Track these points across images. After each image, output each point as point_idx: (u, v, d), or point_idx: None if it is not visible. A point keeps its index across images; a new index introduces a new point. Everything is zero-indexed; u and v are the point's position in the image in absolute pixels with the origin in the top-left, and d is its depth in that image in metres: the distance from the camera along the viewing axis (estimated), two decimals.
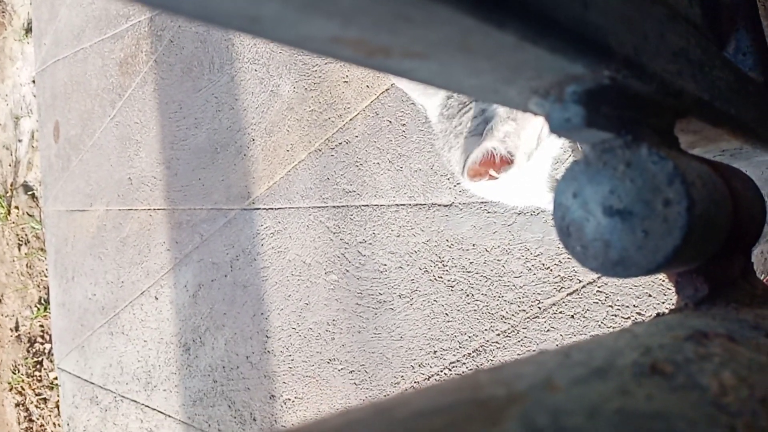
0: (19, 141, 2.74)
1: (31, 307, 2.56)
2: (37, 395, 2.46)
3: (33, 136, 2.68)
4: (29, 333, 2.54)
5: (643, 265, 0.29)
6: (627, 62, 0.27)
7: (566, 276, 0.97)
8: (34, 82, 2.64)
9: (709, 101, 0.37)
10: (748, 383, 0.23)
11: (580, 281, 0.96)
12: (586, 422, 0.17)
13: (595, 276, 0.94)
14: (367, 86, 1.31)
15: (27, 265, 2.61)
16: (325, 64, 1.41)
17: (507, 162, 0.63)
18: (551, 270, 0.99)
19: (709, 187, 0.31)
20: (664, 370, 0.21)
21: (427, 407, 0.17)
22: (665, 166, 0.28)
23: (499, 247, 1.06)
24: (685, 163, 0.30)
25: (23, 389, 2.49)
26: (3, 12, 2.86)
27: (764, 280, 0.74)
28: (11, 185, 2.72)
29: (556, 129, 0.28)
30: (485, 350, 1.07)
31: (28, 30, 2.72)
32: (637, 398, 0.19)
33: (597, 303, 0.94)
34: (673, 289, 0.35)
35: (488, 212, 1.08)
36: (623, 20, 0.28)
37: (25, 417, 2.47)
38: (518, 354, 1.02)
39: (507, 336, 1.04)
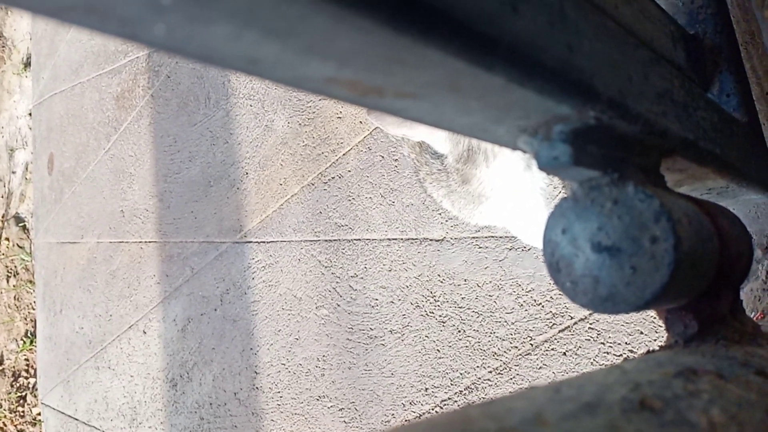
0: (13, 173, 2.74)
1: (17, 341, 2.51)
2: (18, 431, 2.39)
3: (27, 168, 2.68)
4: (14, 367, 2.49)
5: (632, 301, 0.29)
6: (612, 103, 0.28)
7: (558, 312, 0.97)
8: (30, 114, 2.65)
9: (694, 141, 0.38)
10: (737, 420, 0.23)
11: (572, 318, 0.96)
12: None
13: (586, 313, 0.94)
14: (360, 122, 1.33)
15: (15, 297, 2.57)
16: (319, 100, 1.43)
17: None
18: (543, 306, 0.99)
19: (695, 224, 0.31)
20: (653, 406, 0.21)
21: None
22: (651, 204, 0.29)
23: (490, 282, 1.06)
24: (672, 201, 0.30)
25: (5, 425, 2.42)
26: (3, 46, 2.90)
27: (754, 318, 0.74)
28: (3, 217, 2.70)
29: (545, 166, 0.29)
30: (477, 388, 1.05)
31: (27, 64, 2.75)
32: None
33: (589, 340, 0.94)
34: (664, 326, 0.35)
35: (480, 247, 1.08)
36: (608, 63, 0.29)
37: None
38: (510, 392, 1.01)
39: (499, 373, 1.03)
